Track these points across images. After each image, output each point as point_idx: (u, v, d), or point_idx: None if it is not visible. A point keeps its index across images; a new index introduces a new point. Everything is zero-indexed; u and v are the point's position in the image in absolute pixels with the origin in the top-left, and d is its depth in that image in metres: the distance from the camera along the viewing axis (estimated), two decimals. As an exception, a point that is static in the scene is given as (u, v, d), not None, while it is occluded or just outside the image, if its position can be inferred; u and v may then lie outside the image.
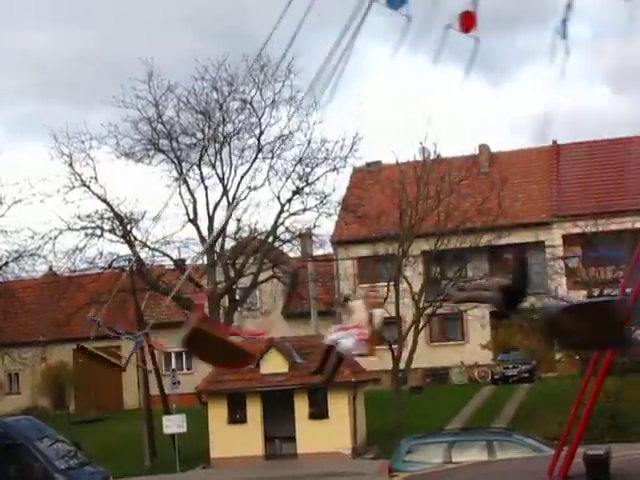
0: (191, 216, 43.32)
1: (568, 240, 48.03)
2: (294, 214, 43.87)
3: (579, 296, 43.12)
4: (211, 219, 43.57)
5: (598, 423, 25.68)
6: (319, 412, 35.72)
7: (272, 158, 43.79)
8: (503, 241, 43.89)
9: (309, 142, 43.34)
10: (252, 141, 44.02)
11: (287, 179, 43.78)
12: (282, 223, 43.79)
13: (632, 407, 31.24)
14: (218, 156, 43.97)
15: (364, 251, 46.95)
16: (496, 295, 12.50)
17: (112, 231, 43.60)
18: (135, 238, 43.30)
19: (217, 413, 36.28)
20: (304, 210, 43.84)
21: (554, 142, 54.98)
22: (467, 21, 10.60)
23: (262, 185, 43.39)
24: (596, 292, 41.14)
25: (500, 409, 39.28)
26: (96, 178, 43.26)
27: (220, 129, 43.87)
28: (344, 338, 13.31)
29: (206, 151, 43.88)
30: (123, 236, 43.46)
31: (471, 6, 10.51)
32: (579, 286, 44.48)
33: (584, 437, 11.84)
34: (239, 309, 45.53)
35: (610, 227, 42.30)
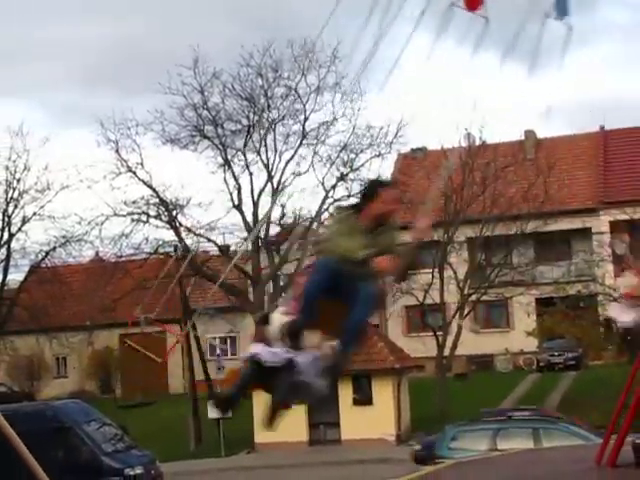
0: (236, 202, 43.44)
1: (615, 227, 47.55)
2: (338, 200, 43.82)
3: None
4: (256, 205, 43.66)
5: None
6: (363, 398, 35.76)
7: (316, 144, 43.81)
8: (549, 228, 43.62)
9: (354, 128, 43.31)
10: (297, 127, 44.09)
11: (331, 165, 43.80)
12: (327, 209, 43.77)
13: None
14: (263, 142, 44.06)
15: (408, 237, 46.80)
16: None
17: (158, 217, 43.86)
18: (180, 224, 43.54)
19: (262, 398, 36.33)
20: (349, 196, 43.74)
21: (601, 128, 54.44)
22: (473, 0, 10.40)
23: (307, 171, 43.47)
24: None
25: (546, 397, 39.06)
26: (142, 164, 43.56)
27: (265, 115, 43.98)
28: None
29: (251, 137, 43.98)
30: (168, 222, 43.70)
31: None
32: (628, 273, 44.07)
33: (632, 425, 11.71)
34: (283, 295, 45.65)
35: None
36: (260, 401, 30.87)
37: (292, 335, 7.55)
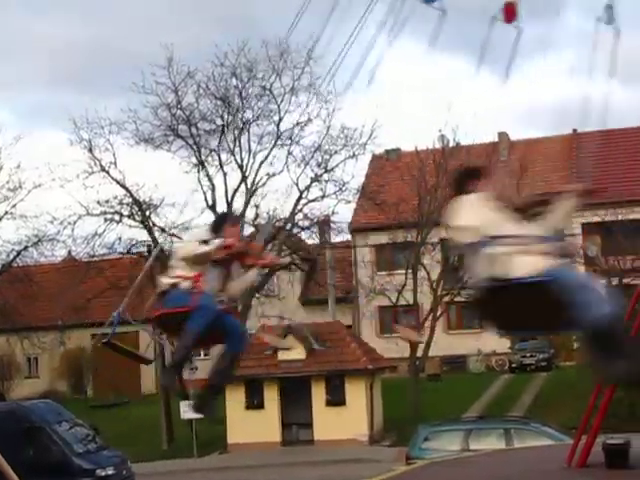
0: (210, 202, 43.36)
1: (588, 229, 47.85)
2: (313, 201, 43.85)
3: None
4: (230, 205, 43.58)
5: (617, 412, 25.57)
6: (336, 399, 35.82)
7: (291, 145, 43.80)
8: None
9: (328, 129, 43.33)
10: (271, 128, 44.02)
11: (306, 166, 43.78)
12: (300, 210, 43.77)
13: (651, 397, 31.15)
14: (237, 142, 43.95)
15: (382, 238, 46.94)
16: None
17: (131, 216, 43.71)
18: (154, 224, 43.44)
19: (234, 399, 36.37)
20: (322, 197, 43.83)
21: (574, 130, 54.77)
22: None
23: (281, 172, 43.42)
24: (615, 281, 41.08)
25: (517, 397, 39.27)
26: (115, 163, 43.39)
27: (239, 115, 43.91)
28: None
29: (225, 137, 43.90)
30: (142, 222, 43.58)
31: None
32: (598, 275, 44.41)
33: (602, 426, 11.80)
34: (257, 295, 45.66)
35: (630, 216, 42.14)
36: (232, 401, 30.95)
37: (175, 368, 8.58)
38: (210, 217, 43.34)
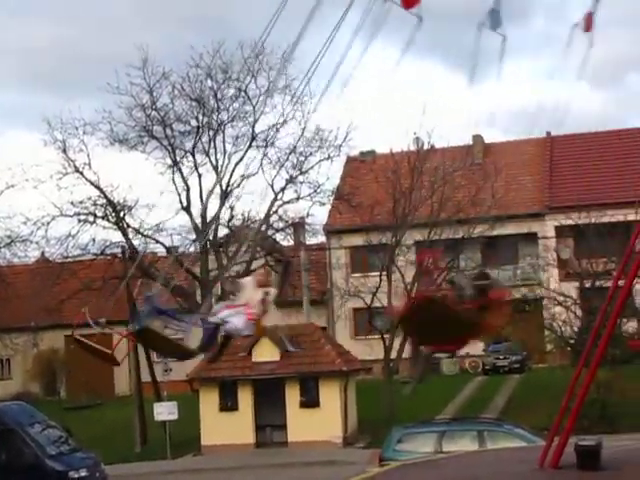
0: (184, 204, 43.28)
1: (561, 232, 48.15)
2: (287, 202, 43.87)
3: (570, 288, 43.43)
4: (204, 207, 43.52)
5: (588, 414, 25.76)
6: (310, 400, 35.79)
7: (266, 146, 43.76)
8: (496, 232, 44.05)
9: (303, 131, 43.31)
10: (246, 129, 43.96)
11: (281, 168, 43.79)
12: (275, 212, 43.78)
13: (622, 398, 31.37)
14: (212, 144, 43.91)
15: (357, 240, 47.02)
16: None
17: (105, 218, 43.55)
18: (128, 225, 43.29)
19: (208, 400, 36.32)
20: (297, 199, 43.87)
21: (548, 134, 55.11)
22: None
23: (256, 173, 43.37)
24: (588, 284, 41.35)
25: (491, 399, 39.41)
26: (89, 164, 43.22)
27: (214, 117, 43.86)
28: (232, 317, 12.30)
29: (200, 138, 43.83)
30: (116, 223, 43.43)
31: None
32: (571, 277, 44.69)
33: (574, 428, 11.89)
34: (231, 297, 45.56)
35: (603, 219, 42.40)
36: (206, 403, 30.97)
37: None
38: (184, 218, 43.39)
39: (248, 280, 13.24)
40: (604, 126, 53.25)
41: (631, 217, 42.13)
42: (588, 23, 11.09)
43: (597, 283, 39.50)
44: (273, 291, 13.11)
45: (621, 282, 12.48)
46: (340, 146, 43.81)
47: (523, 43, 72.01)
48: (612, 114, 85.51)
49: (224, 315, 12.28)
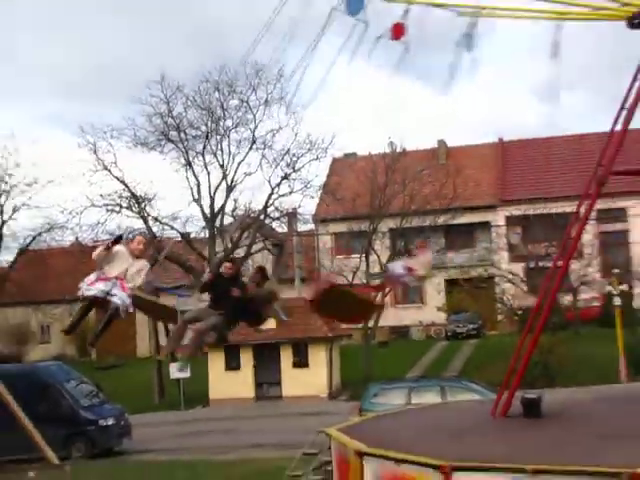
0: (195, 197, 43.26)
1: (510, 221, 48.25)
2: (282, 196, 43.84)
3: (518, 268, 43.58)
4: (212, 199, 43.53)
5: (532, 372, 25.86)
6: (301, 361, 35.87)
7: (264, 149, 43.76)
8: (457, 221, 44.13)
9: (296, 136, 43.33)
10: (248, 134, 43.94)
11: (276, 167, 43.74)
12: (272, 204, 43.76)
13: (560, 359, 31.50)
14: (219, 146, 43.86)
15: (340, 228, 47.01)
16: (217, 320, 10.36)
17: (129, 208, 43.46)
18: (148, 214, 43.25)
19: (215, 362, 36.36)
20: (291, 193, 43.76)
21: (500, 139, 55.15)
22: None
23: (255, 171, 43.38)
24: (532, 264, 41.47)
25: (451, 361, 39.55)
26: (116, 163, 43.09)
27: (221, 123, 43.79)
28: (114, 289, 9.74)
29: (209, 142, 43.76)
30: (138, 212, 43.36)
31: (402, 18, 10.76)
32: (519, 259, 44.81)
33: (520, 383, 11.97)
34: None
35: (545, 211, 42.50)
36: (214, 363, 30.71)
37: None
38: (195, 209, 43.19)
39: (122, 250, 10.09)
40: (550, 133, 53.23)
41: (569, 209, 42.32)
42: (396, 31, 10.77)
43: (540, 264, 39.60)
44: (143, 264, 10.08)
45: (559, 263, 12.54)
46: (327, 149, 43.80)
47: (486, 60, 72.09)
48: (558, 122, 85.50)
49: (105, 287, 9.87)
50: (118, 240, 8.98)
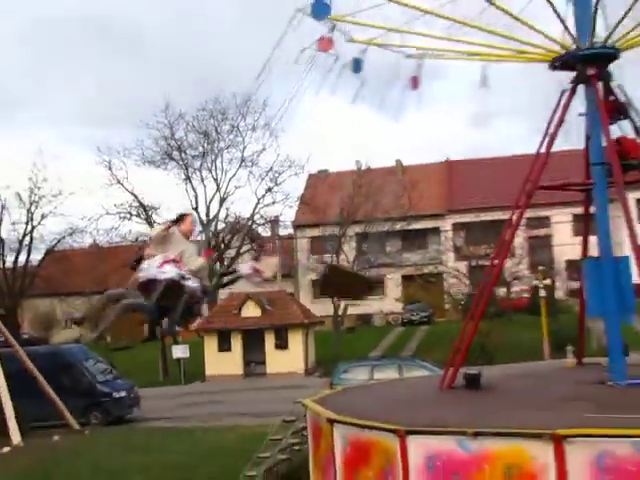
0: (194, 206, 43.22)
1: (456, 227, 48.47)
2: (266, 206, 44.01)
3: (462, 266, 43.80)
4: (208, 208, 43.54)
5: (473, 353, 25.94)
6: (282, 344, 35.85)
7: (251, 166, 43.87)
8: (411, 227, 44.32)
9: (278, 155, 43.54)
10: (237, 154, 44.06)
11: (262, 181, 43.88)
12: (258, 212, 43.87)
13: (496, 342, 31.65)
14: (214, 164, 43.97)
15: (315, 232, 47.04)
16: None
17: (138, 215, 43.50)
18: (154, 221, 43.19)
19: (210, 344, 36.24)
20: (273, 203, 43.99)
21: (447, 159, 55.39)
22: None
23: (244, 185, 43.57)
24: (474, 263, 41.68)
25: (407, 343, 39.62)
26: (127, 178, 43.15)
27: (215, 145, 43.82)
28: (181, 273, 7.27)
29: (205, 160, 43.79)
30: (146, 219, 43.30)
31: (328, 33, 10.79)
32: (462, 258, 45.03)
33: (463, 362, 12.05)
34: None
35: (485, 218, 42.73)
36: (209, 345, 30.46)
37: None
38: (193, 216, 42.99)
39: (175, 231, 7.52)
40: (491, 154, 53.42)
41: (504, 217, 42.51)
42: (324, 44, 10.75)
43: (480, 262, 39.83)
44: (196, 246, 7.92)
45: (496, 261, 12.64)
46: (303, 166, 44.04)
47: (436, 93, 72.68)
48: (495, 145, 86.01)
49: (177, 270, 7.26)
50: (178, 220, 7.19)
